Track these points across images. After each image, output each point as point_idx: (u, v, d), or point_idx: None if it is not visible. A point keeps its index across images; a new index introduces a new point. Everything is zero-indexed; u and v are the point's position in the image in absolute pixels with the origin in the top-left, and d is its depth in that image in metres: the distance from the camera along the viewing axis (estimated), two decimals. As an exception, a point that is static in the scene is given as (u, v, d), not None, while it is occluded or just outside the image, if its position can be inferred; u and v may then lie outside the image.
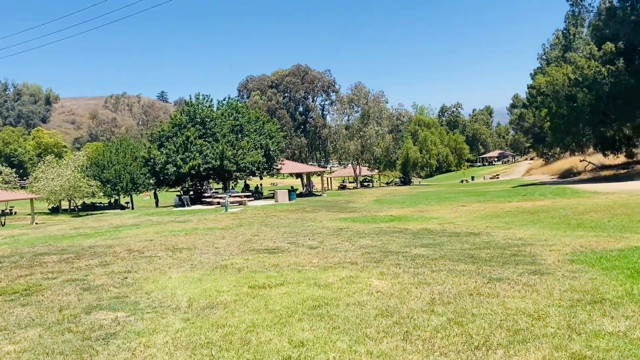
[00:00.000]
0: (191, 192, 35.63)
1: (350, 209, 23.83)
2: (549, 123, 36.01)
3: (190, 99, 37.19)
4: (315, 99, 71.88)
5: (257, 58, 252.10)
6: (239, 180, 37.72)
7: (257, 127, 36.74)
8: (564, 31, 65.86)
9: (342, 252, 9.62)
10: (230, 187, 36.52)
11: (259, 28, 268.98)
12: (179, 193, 37.40)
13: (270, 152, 36.12)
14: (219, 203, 30.12)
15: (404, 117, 67.92)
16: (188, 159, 32.33)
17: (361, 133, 60.65)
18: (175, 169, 32.53)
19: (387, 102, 65.36)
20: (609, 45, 41.08)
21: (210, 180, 38.53)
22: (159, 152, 33.96)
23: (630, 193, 21.07)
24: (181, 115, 36.20)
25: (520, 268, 7.11)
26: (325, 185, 49.32)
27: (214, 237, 13.33)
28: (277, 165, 38.07)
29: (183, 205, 31.69)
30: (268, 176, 40.48)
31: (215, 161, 32.36)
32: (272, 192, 38.56)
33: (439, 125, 72.97)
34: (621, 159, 42.78)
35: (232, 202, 28.79)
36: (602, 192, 23.42)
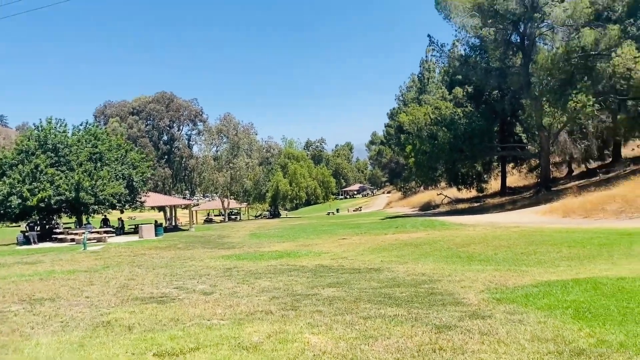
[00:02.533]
0: (39, 228, 31.27)
1: (227, 244, 22.40)
2: (413, 159, 38.07)
3: (40, 122, 33.06)
4: (181, 128, 69.14)
5: (116, 82, 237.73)
6: (94, 215, 34.05)
7: (119, 155, 33.70)
8: (419, 75, 71.51)
9: (245, 297, 8.42)
10: (86, 222, 32.73)
11: (119, 51, 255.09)
12: (23, 229, 32.66)
13: (134, 183, 33.22)
14: (73, 240, 26.67)
15: (273, 149, 67.96)
16: (37, 190, 28.34)
17: (231, 165, 59.22)
18: (20, 201, 28.28)
19: (256, 134, 65.01)
20: (459, 90, 45.11)
21: (62, 214, 34.31)
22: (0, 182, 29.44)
23: (494, 225, 22.48)
24: (29, 141, 31.90)
25: (451, 310, 6.60)
26: (193, 219, 46.82)
27: (79, 283, 11.21)
28: (140, 198, 35.14)
29: (29, 243, 27.51)
30: (130, 209, 37.13)
31: (70, 193, 28.78)
32: (133, 227, 35.43)
33: (307, 159, 74.21)
34: (473, 192, 46.62)
35: (90, 239, 25.66)
36: (467, 224, 24.78)
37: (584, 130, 35.64)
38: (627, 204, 20.13)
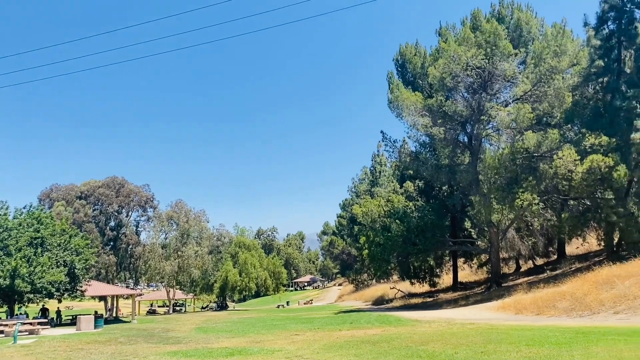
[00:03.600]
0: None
1: (173, 339, 21.00)
2: (366, 251, 38.05)
3: (-21, 204, 31.42)
4: (130, 214, 67.22)
5: (64, 166, 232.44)
6: (28, 304, 31.67)
7: (63, 241, 32.08)
8: (371, 168, 73.64)
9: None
10: (19, 312, 30.27)
11: (69, 134, 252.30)
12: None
13: (76, 271, 31.42)
14: (2, 332, 24.46)
15: (225, 237, 66.60)
16: (-35, 276, 26.31)
17: (179, 253, 57.33)
18: (-55, 288, 26.11)
19: (208, 222, 63.82)
20: (410, 184, 46.46)
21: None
22: None
23: (449, 322, 22.20)
24: (-38, 223, 30.08)
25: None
26: (135, 310, 44.28)
27: (4, 385, 10.03)
28: (81, 286, 33.12)
29: (-51, 336, 25.01)
30: (69, 299, 34.81)
31: (5, 279, 26.81)
32: (71, 317, 33.06)
33: (258, 248, 72.96)
34: (425, 287, 46.60)
35: (22, 331, 23.58)
36: (422, 320, 24.40)
37: (531, 227, 36.93)
38: (577, 302, 20.42)
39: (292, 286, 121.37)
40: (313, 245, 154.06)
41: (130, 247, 66.33)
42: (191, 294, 64.16)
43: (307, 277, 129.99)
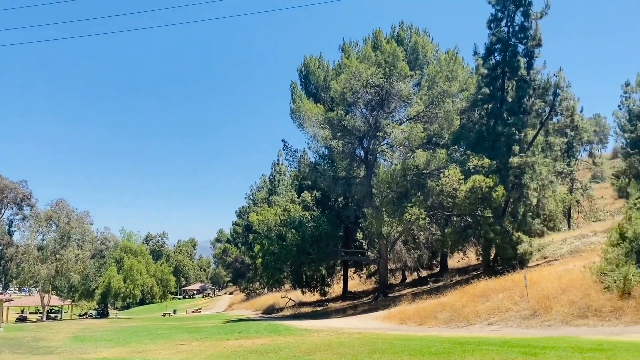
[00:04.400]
0: None
1: (44, 349, 19.24)
2: (260, 259, 37.72)
3: None
4: (3, 212, 60.93)
5: None
6: None
7: None
8: (270, 176, 73.40)
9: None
10: None
11: None
12: None
13: None
14: None
15: (109, 241, 62.79)
16: None
17: (58, 256, 53.05)
18: None
19: (92, 224, 59.80)
20: (307, 194, 46.90)
21: None
22: None
23: (337, 331, 22.52)
24: None
25: None
26: (3, 317, 40.22)
27: None
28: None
29: None
30: None
31: None
32: None
33: (146, 254, 69.63)
34: (316, 296, 47.10)
35: None
36: (311, 329, 24.54)
37: (417, 240, 38.78)
38: (456, 313, 21.61)
39: (180, 294, 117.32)
40: (205, 252, 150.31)
41: (1, 248, 60.19)
42: (69, 300, 59.64)
43: (197, 285, 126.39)
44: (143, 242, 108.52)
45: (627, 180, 35.46)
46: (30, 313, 63.51)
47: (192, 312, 65.88)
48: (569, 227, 43.60)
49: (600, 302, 16.09)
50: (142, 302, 75.89)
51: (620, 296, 15.74)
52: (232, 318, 41.87)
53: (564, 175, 42.71)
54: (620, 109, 46.24)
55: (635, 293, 15.39)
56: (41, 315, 56.70)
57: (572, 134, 42.91)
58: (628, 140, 44.58)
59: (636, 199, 19.06)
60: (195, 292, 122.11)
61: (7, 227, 62.36)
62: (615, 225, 18.79)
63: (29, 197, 66.03)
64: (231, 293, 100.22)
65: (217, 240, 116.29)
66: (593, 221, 43.85)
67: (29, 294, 77.03)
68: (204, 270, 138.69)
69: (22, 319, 56.04)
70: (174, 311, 65.98)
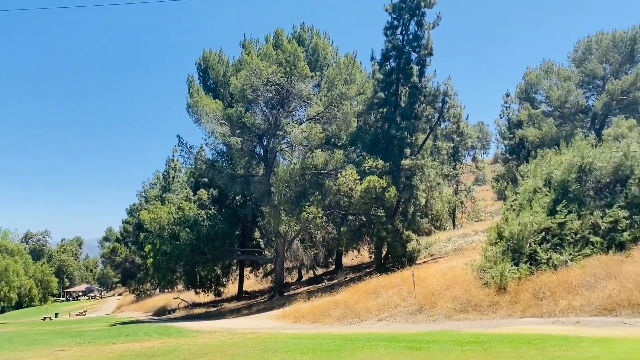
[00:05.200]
0: None
1: None
2: (151, 259, 36.14)
3: None
4: None
5: None
6: None
7: None
8: (165, 173, 70.67)
9: None
10: None
11: None
12: None
13: None
14: None
15: (-20, 240, 56.98)
16: None
17: None
18: None
19: (-41, 221, 53.95)
20: (204, 192, 45.79)
21: None
22: None
23: (231, 332, 22.13)
24: None
25: None
26: None
27: None
28: None
29: None
30: None
31: None
32: None
33: (25, 253, 64.08)
34: (210, 296, 46.11)
35: None
36: (204, 330, 23.91)
37: (314, 239, 39.28)
38: (349, 310, 22.14)
39: (64, 296, 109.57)
40: (93, 251, 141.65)
41: None
42: None
43: (83, 287, 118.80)
44: (21, 241, 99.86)
45: (505, 183, 38.55)
46: None
47: (77, 315, 61.71)
48: (454, 226, 46.55)
49: (480, 297, 17.25)
50: (19, 306, 69.69)
51: (497, 291, 16.98)
52: (120, 320, 39.74)
53: (450, 178, 45.53)
54: (501, 118, 50.24)
55: (510, 288, 16.67)
56: None
57: (458, 139, 45.82)
58: (507, 147, 48.58)
59: (512, 201, 20.68)
60: (80, 293, 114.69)
61: None
62: (494, 226, 20.26)
63: None
64: (120, 294, 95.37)
65: (106, 239, 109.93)
66: (475, 221, 47.19)
67: None
68: (91, 271, 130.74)
69: None
70: (56, 314, 61.34)
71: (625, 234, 16.67)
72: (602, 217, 17.20)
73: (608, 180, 18.51)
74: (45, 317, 57.33)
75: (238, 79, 33.00)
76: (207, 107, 33.98)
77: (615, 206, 17.20)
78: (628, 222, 16.85)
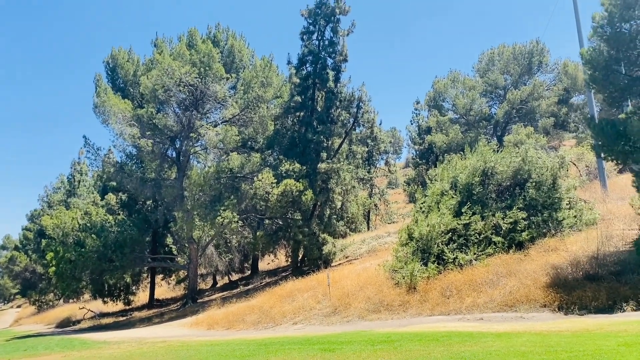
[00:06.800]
0: None
1: None
2: (54, 268, 33.80)
3: None
4: None
5: None
6: None
7: None
8: (69, 177, 66.63)
9: None
10: None
11: None
12: None
13: None
14: None
15: None
16: None
17: None
18: None
19: None
20: (112, 197, 43.63)
21: None
22: None
23: (140, 341, 21.22)
24: None
25: None
26: None
27: None
28: None
29: None
30: None
31: None
32: None
33: None
34: (120, 305, 43.96)
35: None
36: (112, 341, 22.74)
37: (229, 244, 38.68)
38: (264, 315, 21.95)
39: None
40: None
41: None
42: None
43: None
44: None
45: (415, 187, 40.08)
46: None
47: (-34, 331, 56.46)
48: (368, 228, 47.67)
49: (392, 297, 17.74)
50: None
51: (408, 291, 17.54)
52: (18, 334, 36.80)
53: (364, 181, 46.60)
54: (412, 124, 52.29)
55: (420, 288, 17.28)
56: None
57: (372, 144, 47.02)
58: (417, 152, 50.62)
59: (422, 203, 21.49)
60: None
61: None
62: (405, 227, 20.95)
63: None
64: (19, 306, 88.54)
65: (3, 247, 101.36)
66: (388, 223, 48.60)
67: None
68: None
69: None
70: (-59, 332, 55.84)
71: (524, 233, 17.83)
72: (503, 218, 18.29)
73: (508, 183, 19.75)
74: None
75: (149, 78, 31.79)
76: (115, 107, 32.42)
77: (514, 208, 18.36)
78: (526, 222, 18.04)
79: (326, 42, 33.52)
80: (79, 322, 41.75)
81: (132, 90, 35.85)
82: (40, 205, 71.75)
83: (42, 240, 44.49)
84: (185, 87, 31.75)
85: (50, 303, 62.59)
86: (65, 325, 42.51)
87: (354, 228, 43.28)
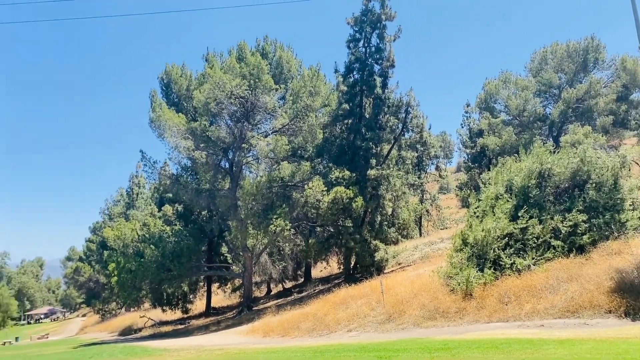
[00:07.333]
0: None
1: None
2: (116, 278, 35.24)
3: None
4: None
5: None
6: None
7: None
8: (128, 190, 69.34)
9: None
10: None
11: None
12: None
13: None
14: None
15: None
16: None
17: None
18: None
19: None
20: (169, 208, 45.05)
21: None
22: None
23: (199, 349, 21.76)
24: None
25: None
26: None
27: None
28: None
29: None
30: None
31: None
32: None
33: (-19, 276, 61.65)
34: (178, 314, 45.23)
35: None
36: (171, 348, 23.43)
37: (282, 252, 39.13)
38: (318, 322, 22.04)
39: (24, 319, 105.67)
40: (55, 272, 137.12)
41: None
42: None
43: (45, 309, 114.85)
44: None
45: (468, 191, 39.24)
46: None
47: (38, 338, 59.44)
48: (420, 234, 47.06)
49: (447, 304, 17.43)
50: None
51: (464, 297, 17.19)
52: (83, 342, 38.53)
53: (415, 187, 46.03)
54: (463, 127, 51.30)
55: (476, 294, 16.91)
56: None
57: (422, 149, 46.46)
58: (469, 155, 49.58)
59: (475, 208, 21.05)
60: (42, 316, 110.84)
61: None
62: (459, 232, 20.56)
63: None
64: (84, 315, 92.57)
65: (68, 258, 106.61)
66: (441, 229, 47.83)
67: None
68: (53, 292, 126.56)
69: None
70: (16, 339, 59.04)
71: (585, 237, 17.14)
72: (562, 222, 17.65)
73: (567, 185, 19.06)
74: (5, 342, 55.13)
75: (201, 92, 32.74)
76: (170, 122, 33.56)
77: (574, 210, 17.69)
78: (587, 225, 17.34)
79: (373, 49, 33.52)
80: (140, 330, 43.25)
81: (185, 104, 37.04)
82: (102, 217, 75.03)
83: (104, 251, 46.51)
84: (236, 100, 32.48)
85: (113, 312, 65.14)
86: (128, 333, 44.11)
87: (406, 234, 42.79)
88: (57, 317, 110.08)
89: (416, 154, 44.91)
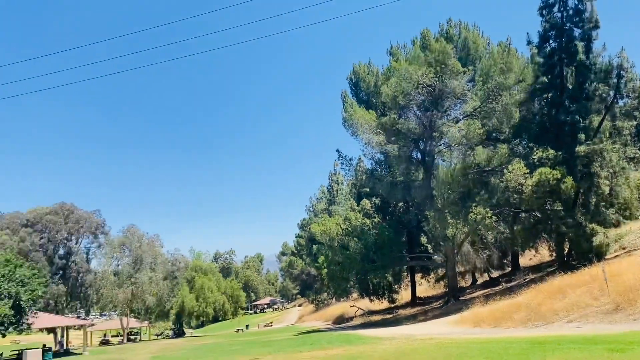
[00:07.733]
0: None
1: (126, 370, 20.10)
2: (325, 270, 37.85)
3: None
4: (80, 240, 64.62)
5: (6, 194, 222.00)
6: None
7: (7, 272, 30.41)
8: (328, 187, 73.78)
9: None
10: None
11: (10, 160, 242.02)
12: None
13: (21, 303, 29.76)
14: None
15: (180, 262, 65.04)
16: None
17: (132, 279, 55.47)
18: None
19: (162, 247, 62.25)
20: (366, 202, 46.68)
21: None
22: None
23: (410, 338, 22.16)
24: None
25: None
26: (87, 341, 42.35)
27: None
28: (27, 319, 31.38)
29: None
30: (15, 333, 32.82)
31: (-60, 315, 25.10)
32: (17, 353, 31.23)
33: (216, 272, 71.55)
34: (385, 304, 46.64)
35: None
36: (384, 337, 24.28)
37: (485, 240, 37.62)
38: (532, 312, 20.77)
39: (251, 309, 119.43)
40: (272, 266, 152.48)
41: (80, 275, 63.75)
42: (146, 321, 62.12)
43: (267, 299, 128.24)
44: (212, 261, 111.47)
45: None
46: (112, 336, 66.54)
47: (264, 326, 66.82)
48: (648, 214, 40.96)
49: (691, 292, 15.00)
50: (215, 320, 77.84)
51: None
52: (303, 330, 42.13)
53: (636, 161, 40.25)
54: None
55: None
56: (122, 337, 59.28)
57: (642, 116, 40.38)
58: None
59: None
60: (265, 306, 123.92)
61: (85, 255, 65.97)
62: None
63: (103, 225, 69.80)
64: (300, 305, 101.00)
65: (282, 253, 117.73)
66: (674, 206, 41.00)
67: (109, 318, 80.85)
68: (272, 284, 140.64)
69: (104, 342, 58.80)
70: (246, 326, 67.19)
71: None
72: None
73: None
74: (238, 329, 63.08)
75: (388, 86, 33.29)
76: (361, 119, 34.81)
77: None
78: None
79: (570, 12, 30.23)
80: (351, 319, 45.69)
81: (374, 100, 38.07)
82: (308, 214, 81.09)
83: (313, 245, 50.22)
84: (423, 89, 32.28)
85: (325, 302, 69.88)
86: (340, 322, 46.95)
87: (629, 215, 37.57)
88: (277, 307, 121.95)
89: (634, 123, 39.21)
